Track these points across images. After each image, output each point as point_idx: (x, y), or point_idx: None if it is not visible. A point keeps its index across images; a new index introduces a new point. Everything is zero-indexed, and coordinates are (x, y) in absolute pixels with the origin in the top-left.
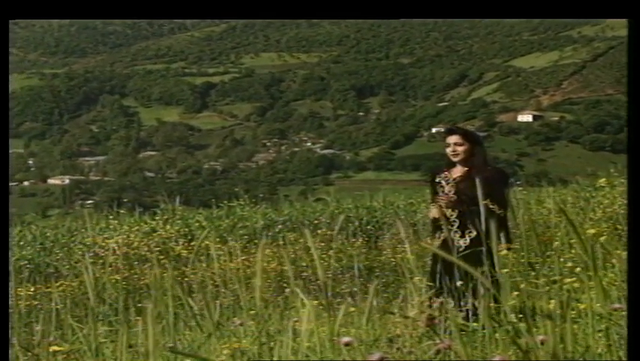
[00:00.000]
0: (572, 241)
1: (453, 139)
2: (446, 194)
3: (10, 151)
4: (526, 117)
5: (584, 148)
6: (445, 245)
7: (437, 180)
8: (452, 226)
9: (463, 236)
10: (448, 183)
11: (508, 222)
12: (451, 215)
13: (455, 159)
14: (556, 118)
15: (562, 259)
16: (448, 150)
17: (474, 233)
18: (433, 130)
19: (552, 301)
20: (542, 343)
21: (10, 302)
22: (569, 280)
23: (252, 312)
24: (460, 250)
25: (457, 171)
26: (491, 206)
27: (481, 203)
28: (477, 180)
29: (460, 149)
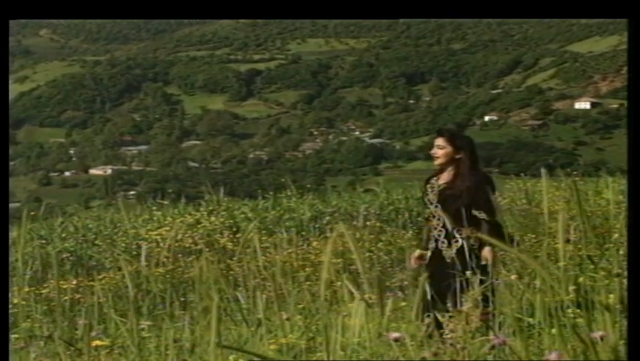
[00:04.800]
0: None
1: (437, 141)
2: (431, 202)
3: (52, 140)
4: (583, 104)
5: None
6: (437, 255)
7: (427, 185)
8: (439, 236)
9: (450, 246)
10: (432, 191)
11: (502, 227)
12: (437, 225)
13: (435, 162)
14: (616, 105)
15: (621, 252)
16: (431, 152)
17: (460, 243)
18: (486, 118)
19: (611, 295)
20: (602, 338)
21: (58, 296)
22: None
23: (300, 306)
24: (449, 261)
25: (444, 178)
26: (478, 214)
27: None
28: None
29: (440, 152)
